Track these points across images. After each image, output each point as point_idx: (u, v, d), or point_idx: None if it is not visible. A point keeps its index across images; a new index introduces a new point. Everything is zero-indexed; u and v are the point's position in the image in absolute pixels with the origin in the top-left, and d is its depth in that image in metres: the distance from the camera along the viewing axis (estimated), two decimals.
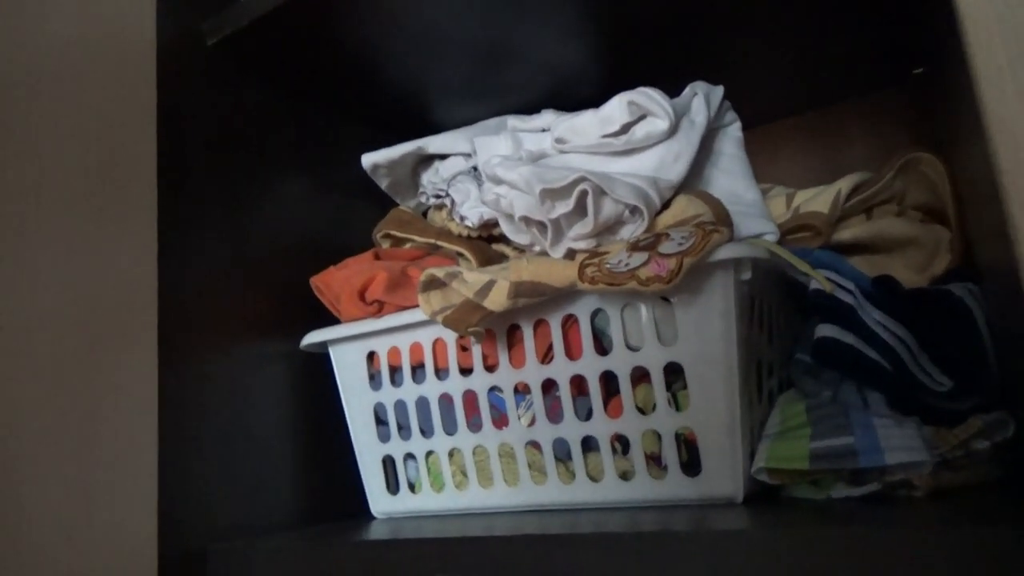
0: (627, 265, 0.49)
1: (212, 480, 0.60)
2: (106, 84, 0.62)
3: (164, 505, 0.56)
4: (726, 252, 0.49)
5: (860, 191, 0.69)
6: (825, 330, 0.54)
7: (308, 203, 0.76)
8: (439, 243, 0.68)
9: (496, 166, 0.58)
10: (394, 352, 0.64)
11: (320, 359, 0.69)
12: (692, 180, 0.63)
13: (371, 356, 0.65)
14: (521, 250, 0.66)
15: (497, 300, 0.54)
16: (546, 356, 0.57)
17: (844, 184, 0.68)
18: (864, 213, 0.70)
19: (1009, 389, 0.52)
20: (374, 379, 0.66)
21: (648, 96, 0.59)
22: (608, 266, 0.50)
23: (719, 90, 0.67)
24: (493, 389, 0.60)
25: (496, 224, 0.65)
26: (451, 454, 0.62)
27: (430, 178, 0.75)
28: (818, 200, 0.67)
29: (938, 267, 0.68)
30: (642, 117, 0.60)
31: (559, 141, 0.62)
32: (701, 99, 0.64)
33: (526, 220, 0.57)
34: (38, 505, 0.58)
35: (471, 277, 0.56)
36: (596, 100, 0.83)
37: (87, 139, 0.63)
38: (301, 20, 0.65)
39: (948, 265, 0.68)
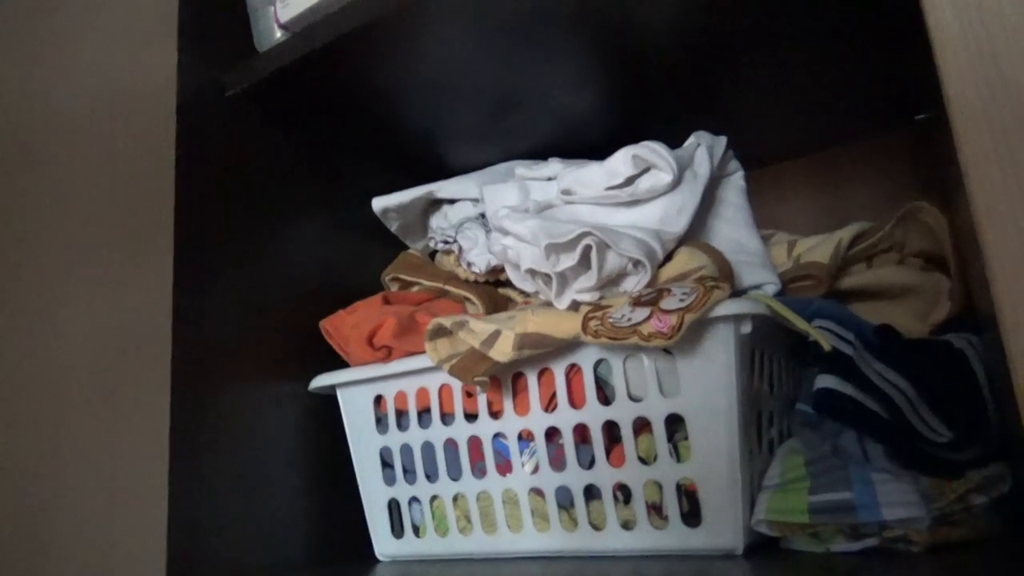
0: (630, 320, 0.50)
1: (220, 519, 0.61)
2: (128, 133, 0.64)
3: (172, 544, 0.57)
4: (727, 308, 0.50)
5: (861, 240, 0.70)
6: (825, 381, 0.55)
7: (321, 244, 0.77)
8: (447, 288, 0.70)
9: (504, 218, 0.59)
10: (401, 397, 0.65)
11: (329, 401, 0.70)
12: (695, 229, 0.64)
13: (378, 400, 0.67)
14: (527, 295, 0.67)
15: (503, 350, 0.55)
16: (550, 404, 0.58)
17: (845, 234, 0.69)
18: (865, 261, 0.71)
19: (1007, 442, 0.52)
20: (381, 423, 0.67)
21: (652, 150, 0.60)
22: (611, 320, 0.51)
23: (722, 140, 0.69)
24: (498, 436, 0.61)
25: (503, 269, 0.67)
26: (455, 499, 0.63)
27: (439, 223, 0.76)
28: (819, 250, 0.68)
29: (938, 315, 0.69)
30: (646, 170, 0.61)
31: (565, 192, 0.63)
32: (704, 151, 0.66)
33: (532, 272, 0.59)
34: (54, 541, 0.59)
35: (478, 327, 0.57)
36: (603, 144, 0.85)
37: (109, 186, 0.65)
38: (317, 71, 0.67)
39: (948, 313, 0.69)
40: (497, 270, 0.68)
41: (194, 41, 0.67)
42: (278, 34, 0.67)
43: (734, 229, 0.67)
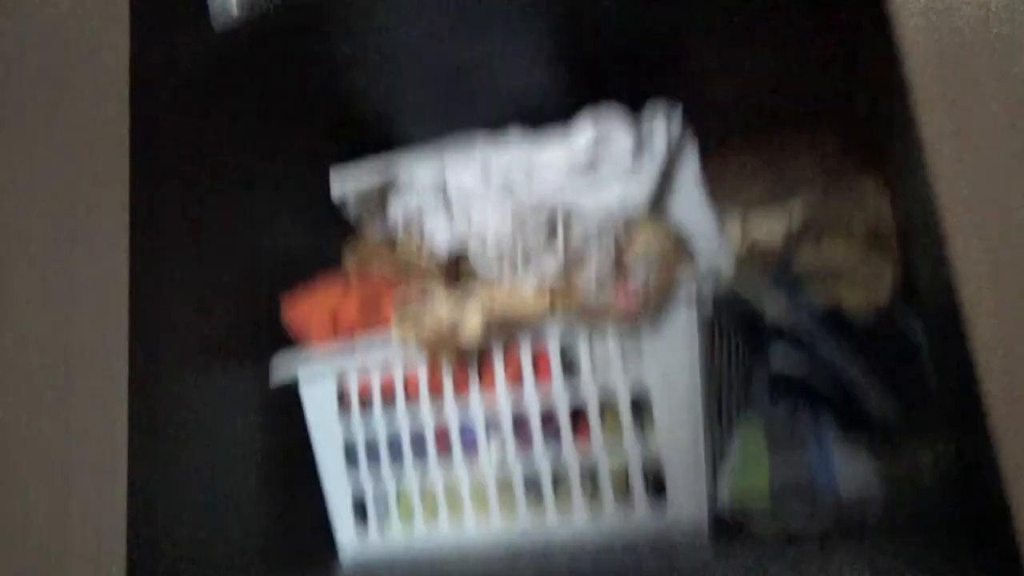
0: (596, 297, 0.51)
1: (181, 513, 0.59)
2: (80, 107, 0.62)
3: (131, 537, 0.56)
4: (689, 285, 0.52)
5: (810, 219, 0.72)
6: (779, 360, 0.57)
7: (279, 222, 0.76)
8: (409, 272, 0.69)
9: (468, 197, 0.59)
10: (364, 384, 0.64)
11: (292, 390, 0.69)
12: (652, 207, 0.66)
13: (342, 389, 0.66)
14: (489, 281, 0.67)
15: (470, 331, 0.55)
16: (515, 383, 0.59)
17: (795, 211, 0.71)
18: (814, 239, 0.74)
19: (952, 420, 0.55)
20: (344, 411, 0.66)
21: (612, 127, 0.61)
22: (579, 298, 0.52)
23: (677, 113, 0.70)
24: (464, 420, 0.61)
25: (464, 256, 0.67)
26: (422, 486, 0.63)
27: (399, 205, 0.76)
28: (771, 228, 0.70)
29: (883, 292, 0.72)
30: (606, 147, 0.62)
31: (527, 169, 0.64)
32: (661, 124, 0.67)
33: (498, 250, 0.59)
34: (6, 537, 0.57)
35: (444, 306, 0.57)
36: (561, 118, 0.86)
37: (61, 162, 0.62)
38: (272, 43, 0.65)
39: (892, 290, 0.72)
40: (458, 256, 0.68)
41: (147, 16, 0.65)
42: (235, 10, 0.65)
43: (689, 205, 0.68)
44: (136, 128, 0.61)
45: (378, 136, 0.85)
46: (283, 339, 0.68)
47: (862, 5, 0.50)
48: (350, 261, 0.74)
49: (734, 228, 0.74)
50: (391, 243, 0.77)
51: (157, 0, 0.66)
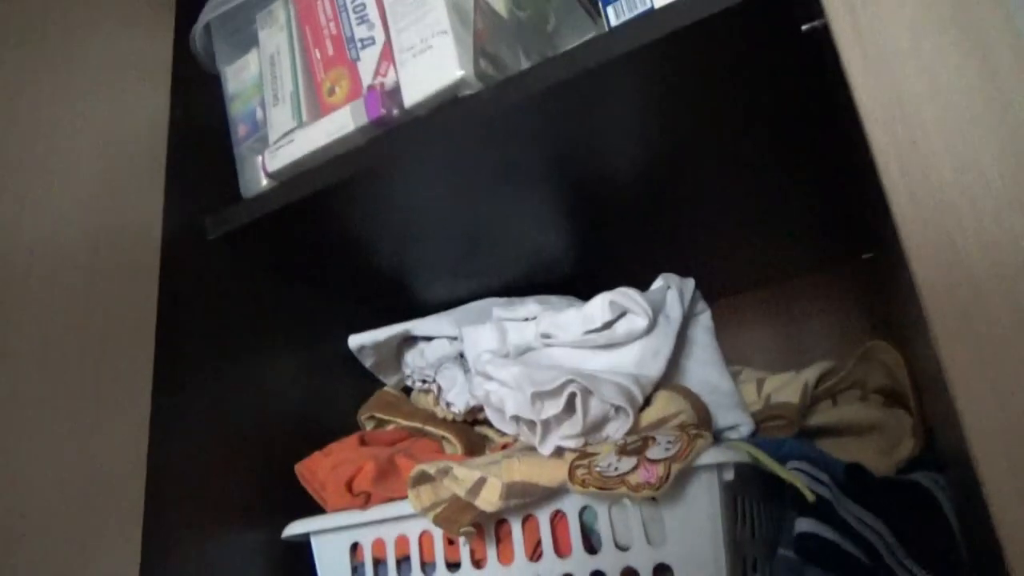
0: (616, 469, 0.51)
1: None
2: (112, 270, 0.65)
3: None
4: (710, 457, 0.52)
5: (826, 379, 0.73)
6: (805, 525, 0.56)
7: (296, 383, 0.77)
8: (424, 427, 0.70)
9: (487, 363, 0.60)
10: (379, 544, 0.63)
11: (300, 549, 0.68)
12: (669, 371, 0.66)
13: (355, 547, 0.65)
14: (504, 435, 0.68)
15: (489, 500, 0.54)
16: (535, 552, 0.58)
17: (811, 374, 0.72)
18: (830, 399, 0.74)
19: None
20: (357, 572, 0.65)
21: (627, 296, 0.63)
22: (598, 469, 0.52)
23: (690, 282, 0.72)
24: None
25: (481, 409, 0.67)
26: None
27: (415, 360, 0.77)
28: (788, 389, 0.71)
29: (903, 452, 0.71)
30: (623, 314, 0.64)
31: (544, 336, 0.65)
32: (675, 293, 0.69)
33: (516, 418, 0.59)
34: None
35: (462, 474, 0.57)
36: (572, 279, 0.89)
37: (89, 322, 0.64)
38: (294, 221, 0.69)
39: (913, 449, 0.71)
40: (475, 410, 0.69)
41: (180, 185, 0.69)
42: (264, 182, 0.69)
43: (705, 369, 0.69)
44: (163, 292, 0.64)
45: (395, 299, 0.88)
46: (294, 501, 0.68)
47: (858, 165, 0.52)
48: (365, 417, 0.74)
49: (751, 388, 0.74)
50: (406, 397, 0.78)
51: (189, 169, 0.70)
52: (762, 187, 0.74)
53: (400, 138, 0.62)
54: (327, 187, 0.64)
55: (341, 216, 0.69)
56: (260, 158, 0.69)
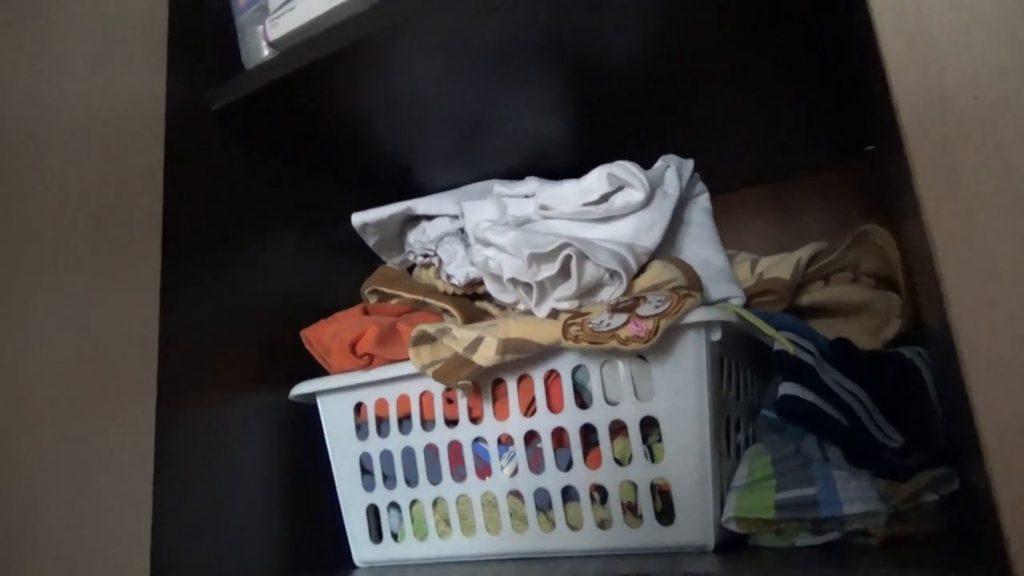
0: (608, 325, 0.53)
1: (202, 527, 0.62)
2: (117, 146, 0.66)
3: (156, 553, 0.58)
4: (699, 315, 0.54)
5: (818, 259, 0.74)
6: (788, 388, 0.59)
7: (298, 261, 0.79)
8: (426, 299, 0.72)
9: (486, 230, 0.62)
10: (381, 403, 0.66)
11: (307, 410, 0.71)
12: (665, 246, 0.68)
13: (358, 407, 0.68)
14: (503, 308, 0.70)
15: (486, 355, 0.57)
16: (529, 409, 0.61)
17: (804, 253, 0.73)
18: (822, 280, 0.76)
19: (953, 446, 0.56)
20: (361, 429, 0.68)
21: (626, 169, 0.64)
22: (590, 326, 0.54)
23: (689, 163, 0.73)
24: (477, 440, 0.63)
25: (480, 283, 0.69)
26: (435, 503, 0.64)
27: (417, 237, 0.78)
28: (780, 267, 0.73)
29: (890, 331, 0.73)
30: (620, 188, 0.65)
31: (543, 208, 0.66)
32: (673, 172, 0.69)
33: (513, 281, 0.61)
34: (35, 554, 0.58)
35: (460, 333, 0.59)
36: (572, 167, 0.89)
37: (96, 198, 0.65)
38: (297, 92, 0.69)
39: (899, 329, 0.73)
40: (475, 283, 0.71)
41: (182, 58, 0.69)
42: (265, 52, 0.69)
43: (701, 247, 0.71)
44: (170, 167, 0.65)
45: (395, 182, 0.89)
46: (300, 368, 0.71)
47: (863, 56, 0.52)
48: (368, 291, 0.76)
49: (745, 267, 0.76)
50: (408, 273, 0.80)
51: (191, 42, 0.70)
52: (764, 81, 0.74)
53: (401, 4, 0.61)
54: (329, 55, 0.64)
55: (343, 88, 0.69)
56: (261, 27, 0.69)
